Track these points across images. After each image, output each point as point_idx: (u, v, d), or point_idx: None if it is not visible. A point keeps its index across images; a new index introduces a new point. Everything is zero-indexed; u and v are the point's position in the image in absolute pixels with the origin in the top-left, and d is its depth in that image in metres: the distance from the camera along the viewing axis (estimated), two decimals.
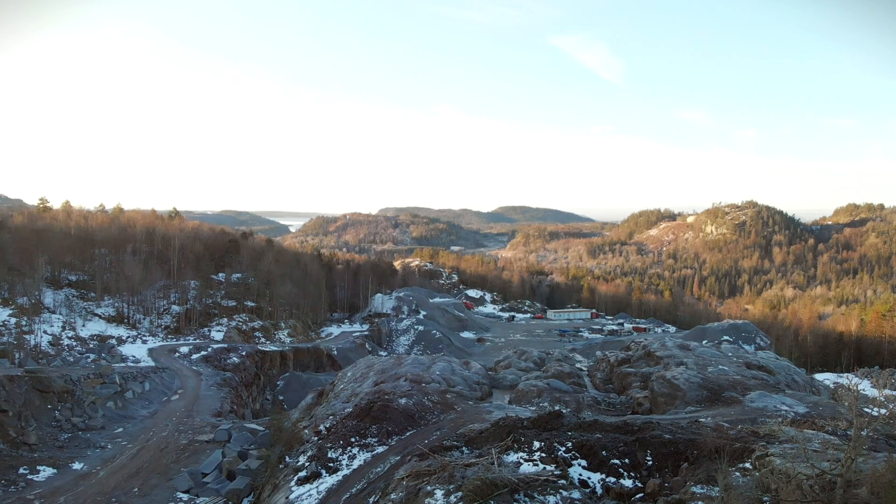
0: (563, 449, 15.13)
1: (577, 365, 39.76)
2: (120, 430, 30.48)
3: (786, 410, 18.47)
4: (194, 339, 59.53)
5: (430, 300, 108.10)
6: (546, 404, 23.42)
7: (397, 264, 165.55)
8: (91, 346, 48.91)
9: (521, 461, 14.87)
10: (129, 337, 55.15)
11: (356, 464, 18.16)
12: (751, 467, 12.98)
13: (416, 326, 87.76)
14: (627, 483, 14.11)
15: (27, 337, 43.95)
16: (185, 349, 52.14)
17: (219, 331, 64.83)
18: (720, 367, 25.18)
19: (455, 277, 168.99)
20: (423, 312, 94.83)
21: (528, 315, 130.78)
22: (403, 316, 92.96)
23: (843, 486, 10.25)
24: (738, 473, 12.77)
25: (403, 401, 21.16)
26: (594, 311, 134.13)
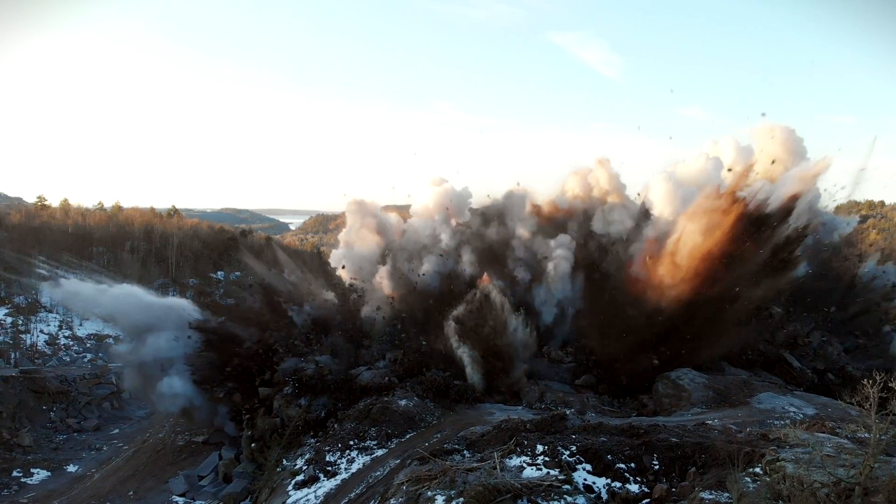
0: (568, 453, 14.78)
1: None
2: (116, 431, 30.16)
3: (794, 412, 18.12)
4: None
5: None
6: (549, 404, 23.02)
7: None
8: (88, 345, 48.53)
9: (524, 465, 14.54)
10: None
11: (355, 467, 17.78)
12: (761, 472, 12.57)
13: None
14: (633, 488, 13.77)
15: (23, 336, 43.57)
16: None
17: None
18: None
19: None
20: None
21: None
22: None
23: (860, 494, 9.88)
24: (748, 479, 12.37)
25: (403, 402, 20.77)
26: None
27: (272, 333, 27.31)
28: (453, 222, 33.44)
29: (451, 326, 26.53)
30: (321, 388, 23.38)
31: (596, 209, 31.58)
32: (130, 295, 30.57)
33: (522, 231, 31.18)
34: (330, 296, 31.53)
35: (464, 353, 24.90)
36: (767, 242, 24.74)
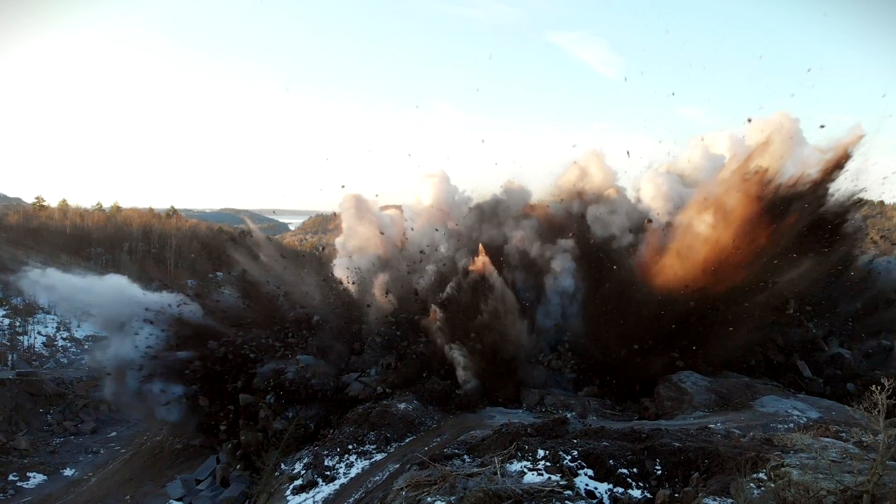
0: (569, 458, 14.59)
1: None
2: (113, 434, 29.91)
3: (798, 415, 17.95)
4: None
5: None
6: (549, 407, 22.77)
7: None
8: (86, 346, 48.25)
9: (525, 470, 14.34)
10: None
11: (353, 472, 17.62)
12: (765, 478, 12.40)
13: None
14: (636, 493, 13.59)
15: (20, 338, 43.34)
16: None
17: None
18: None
19: None
20: None
21: None
22: None
23: (868, 502, 9.71)
24: (752, 485, 12.20)
25: (403, 406, 20.59)
26: None
27: (239, 334, 25.59)
28: (450, 225, 32.46)
29: (434, 316, 23.91)
30: (306, 396, 22.07)
31: (591, 207, 29.88)
32: (113, 287, 28.87)
33: (519, 235, 29.71)
34: (318, 291, 30.11)
35: (454, 353, 23.05)
36: (798, 222, 22.54)
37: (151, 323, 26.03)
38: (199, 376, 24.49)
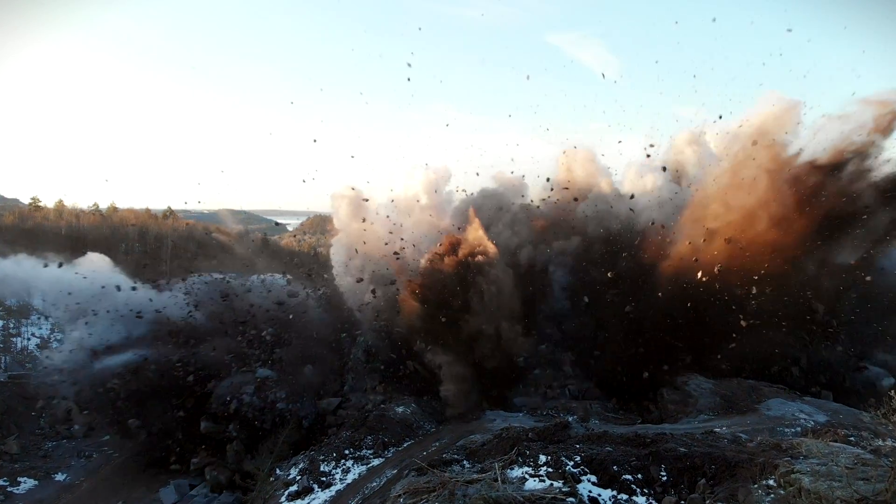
0: (572, 463, 14.21)
1: None
2: (107, 437, 29.33)
3: (805, 419, 17.59)
4: None
5: None
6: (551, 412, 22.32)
7: None
8: None
9: (527, 476, 13.96)
10: None
11: (350, 478, 17.24)
12: (775, 485, 12.01)
13: None
14: (641, 500, 13.22)
15: (14, 340, 42.86)
16: None
17: None
18: None
19: None
20: None
21: None
22: None
23: None
24: (761, 492, 11.81)
25: (401, 409, 20.19)
26: None
27: (169, 347, 22.97)
28: (444, 224, 31.41)
29: (409, 301, 20.20)
30: (272, 425, 19.59)
31: (583, 203, 28.71)
32: (83, 276, 25.61)
33: (516, 242, 28.21)
34: (285, 294, 27.64)
35: (436, 357, 20.44)
36: (851, 185, 19.02)
37: (47, 317, 23.94)
38: (124, 396, 21.79)
